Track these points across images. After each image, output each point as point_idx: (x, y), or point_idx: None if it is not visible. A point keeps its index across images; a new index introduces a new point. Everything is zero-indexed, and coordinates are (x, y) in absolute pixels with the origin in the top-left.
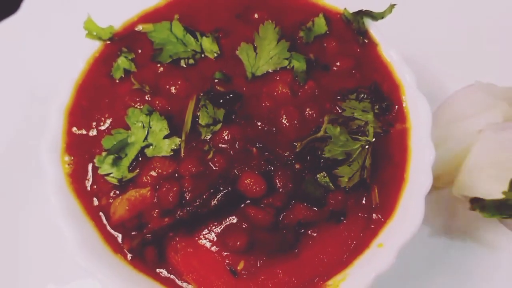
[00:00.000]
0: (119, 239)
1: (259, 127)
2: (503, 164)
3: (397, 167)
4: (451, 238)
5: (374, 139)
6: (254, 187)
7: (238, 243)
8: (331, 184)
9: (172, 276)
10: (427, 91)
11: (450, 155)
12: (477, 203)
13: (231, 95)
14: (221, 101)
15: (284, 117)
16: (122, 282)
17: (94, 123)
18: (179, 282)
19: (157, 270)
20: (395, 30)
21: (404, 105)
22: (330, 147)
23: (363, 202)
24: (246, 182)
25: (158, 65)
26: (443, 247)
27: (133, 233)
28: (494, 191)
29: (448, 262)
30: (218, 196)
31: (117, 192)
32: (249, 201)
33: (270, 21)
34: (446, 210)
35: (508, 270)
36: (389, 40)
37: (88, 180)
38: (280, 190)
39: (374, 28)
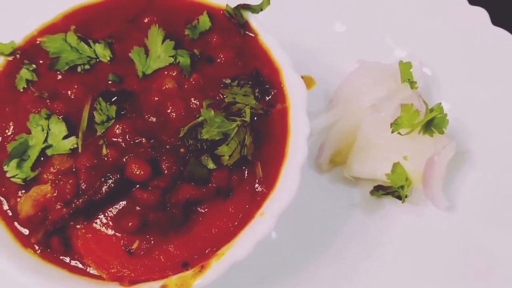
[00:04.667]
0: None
1: (149, 120)
2: (384, 145)
3: (278, 143)
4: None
5: (255, 119)
6: (138, 171)
7: (130, 224)
8: (212, 164)
9: (78, 263)
10: (325, 75)
11: (345, 130)
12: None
13: (122, 93)
14: (113, 99)
15: (170, 108)
16: (34, 275)
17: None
18: (83, 267)
19: (66, 259)
20: (280, 21)
21: (283, 86)
22: (207, 129)
23: (248, 177)
24: (131, 168)
25: (58, 72)
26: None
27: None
28: (378, 173)
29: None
30: (109, 183)
31: (23, 191)
32: (138, 186)
33: (155, 24)
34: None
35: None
36: (269, 29)
37: None
38: (165, 172)
39: (254, 20)
